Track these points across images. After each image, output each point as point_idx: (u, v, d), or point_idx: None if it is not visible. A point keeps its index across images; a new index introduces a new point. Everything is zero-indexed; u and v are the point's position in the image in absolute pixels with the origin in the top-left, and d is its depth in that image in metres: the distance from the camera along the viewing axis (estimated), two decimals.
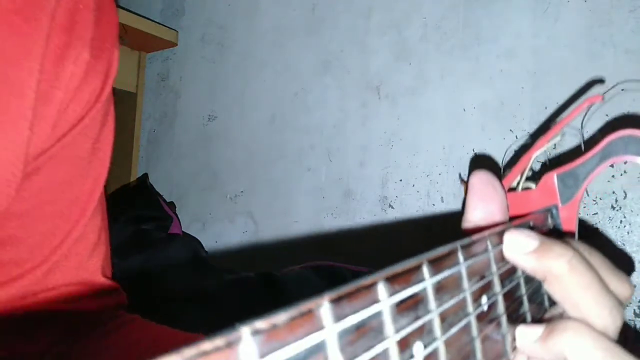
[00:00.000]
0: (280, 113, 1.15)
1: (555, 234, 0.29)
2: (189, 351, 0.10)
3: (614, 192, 0.78)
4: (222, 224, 1.20)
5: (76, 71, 0.33)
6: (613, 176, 0.78)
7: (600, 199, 0.79)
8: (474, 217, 0.26)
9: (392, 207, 0.98)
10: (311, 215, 1.07)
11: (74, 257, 0.37)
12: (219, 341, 0.10)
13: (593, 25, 0.82)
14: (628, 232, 0.77)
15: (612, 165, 0.78)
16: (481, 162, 0.89)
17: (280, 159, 1.13)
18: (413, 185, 0.96)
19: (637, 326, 0.74)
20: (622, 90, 0.75)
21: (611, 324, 0.22)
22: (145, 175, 1.30)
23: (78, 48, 0.33)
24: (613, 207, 0.78)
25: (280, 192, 1.12)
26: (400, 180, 0.98)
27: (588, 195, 0.80)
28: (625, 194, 0.77)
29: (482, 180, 0.26)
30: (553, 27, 0.85)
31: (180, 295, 0.88)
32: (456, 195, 0.92)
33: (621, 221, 0.77)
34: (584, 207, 0.79)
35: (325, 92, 1.09)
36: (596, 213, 0.79)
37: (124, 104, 1.34)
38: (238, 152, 1.20)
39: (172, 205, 1.26)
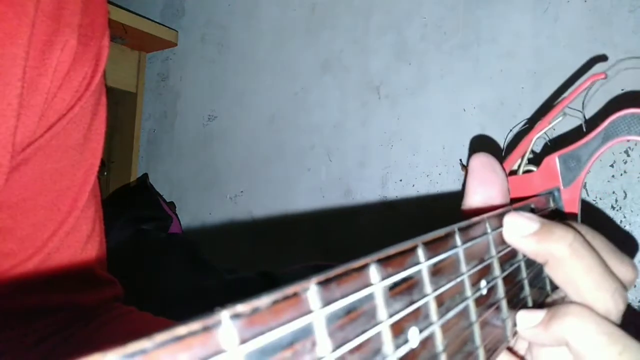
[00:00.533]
0: (280, 113, 1.14)
1: (558, 216, 0.29)
2: (161, 336, 0.09)
3: (614, 192, 0.77)
4: (222, 224, 1.19)
5: (63, 58, 0.33)
6: (613, 176, 0.78)
7: (600, 199, 0.78)
8: (473, 202, 0.25)
9: (392, 207, 0.97)
10: (311, 215, 1.06)
11: (67, 248, 0.37)
12: (194, 325, 0.09)
13: (593, 25, 0.81)
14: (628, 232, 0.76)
15: (612, 165, 0.78)
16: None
17: (280, 158, 1.13)
18: (413, 185, 0.96)
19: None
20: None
21: (613, 308, 0.22)
22: (145, 175, 1.30)
23: (65, 35, 0.33)
24: (613, 207, 0.77)
25: (280, 192, 1.12)
26: (400, 180, 0.97)
27: (588, 195, 0.79)
28: (625, 194, 0.77)
29: (482, 163, 0.25)
30: (553, 27, 0.85)
31: (180, 295, 0.88)
32: (456, 195, 0.91)
33: (621, 221, 0.77)
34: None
35: (325, 92, 1.09)
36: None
37: (124, 104, 1.34)
38: (238, 152, 1.20)
39: (172, 205, 1.26)
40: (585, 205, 0.77)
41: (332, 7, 1.10)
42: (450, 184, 0.92)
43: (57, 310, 0.37)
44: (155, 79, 1.36)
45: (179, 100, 1.32)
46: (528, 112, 0.86)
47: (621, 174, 0.77)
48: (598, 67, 0.79)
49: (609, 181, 0.78)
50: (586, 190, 0.79)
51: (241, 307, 0.10)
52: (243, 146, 1.19)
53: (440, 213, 0.92)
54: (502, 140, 0.87)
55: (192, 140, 1.28)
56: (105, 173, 1.33)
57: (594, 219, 0.77)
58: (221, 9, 1.26)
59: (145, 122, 1.36)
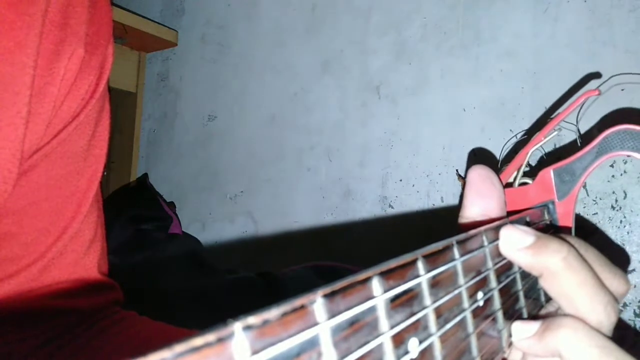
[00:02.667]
0: (280, 113, 1.15)
1: (552, 229, 0.29)
2: (180, 347, 0.09)
3: (614, 192, 0.78)
4: (222, 224, 1.20)
5: (70, 67, 0.33)
6: (613, 176, 0.78)
7: (600, 199, 0.79)
8: (471, 214, 0.26)
9: (392, 207, 0.98)
10: (311, 215, 1.07)
11: (69, 253, 0.37)
12: (210, 337, 0.10)
13: (593, 25, 0.82)
14: (628, 232, 0.77)
15: (612, 165, 0.78)
16: (479, 157, 0.89)
17: (280, 159, 1.13)
18: (413, 185, 0.96)
19: (637, 326, 0.74)
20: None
21: (606, 320, 0.22)
22: (145, 175, 1.30)
23: (73, 44, 0.33)
24: (613, 207, 0.78)
25: (280, 192, 1.12)
26: (400, 180, 0.98)
27: (588, 195, 0.79)
28: (625, 194, 0.77)
29: (480, 175, 0.26)
30: (553, 27, 0.85)
31: (180, 295, 0.88)
32: (456, 195, 0.92)
33: (621, 221, 0.77)
34: (584, 207, 0.79)
35: (325, 92, 1.09)
36: (596, 213, 0.78)
37: (124, 104, 1.35)
38: (238, 152, 1.20)
39: (172, 205, 1.26)
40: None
41: (332, 7, 1.10)
42: (450, 184, 0.93)
43: (59, 314, 0.38)
44: (155, 79, 1.36)
45: (179, 100, 1.32)
46: (528, 112, 0.86)
47: (621, 174, 0.78)
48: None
49: (609, 181, 0.78)
50: (586, 190, 0.79)
51: (252, 319, 0.11)
52: (243, 146, 1.19)
53: (439, 213, 0.92)
54: (502, 143, 0.88)
55: (192, 141, 1.29)
56: (105, 173, 1.33)
57: (594, 219, 0.78)
58: (221, 9, 1.27)
59: (145, 122, 1.37)
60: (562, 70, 0.84)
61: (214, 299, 0.88)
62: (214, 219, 1.21)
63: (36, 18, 0.30)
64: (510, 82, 0.89)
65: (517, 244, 0.23)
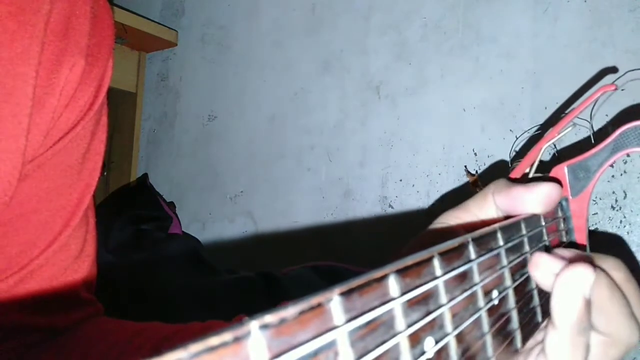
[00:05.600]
0: (280, 113, 1.14)
1: (566, 243, 0.29)
2: (196, 347, 0.09)
3: (614, 192, 0.78)
4: (222, 224, 1.19)
5: (71, 78, 0.33)
6: (613, 176, 0.78)
7: (600, 199, 0.79)
8: (509, 208, 0.26)
9: (392, 207, 0.98)
10: (311, 215, 1.07)
11: (50, 266, 0.36)
12: (226, 336, 0.10)
13: (593, 25, 0.82)
14: (628, 232, 0.77)
15: (612, 166, 0.78)
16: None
17: (280, 159, 1.13)
18: (413, 185, 0.96)
19: None
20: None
21: (627, 340, 0.23)
22: (145, 175, 1.30)
23: (74, 55, 0.33)
24: (613, 207, 0.78)
25: (280, 192, 1.12)
26: (400, 180, 0.97)
27: None
28: (625, 194, 0.77)
29: (555, 195, 0.25)
30: (553, 27, 0.85)
31: (180, 295, 0.88)
32: (456, 195, 0.92)
33: (621, 221, 0.77)
34: None
35: (325, 92, 1.09)
36: (596, 213, 0.79)
37: (124, 104, 1.34)
38: (238, 152, 1.20)
39: (172, 205, 1.26)
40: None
41: (332, 7, 1.10)
42: (450, 184, 0.92)
43: (32, 331, 0.36)
44: (155, 79, 1.36)
45: (179, 100, 1.32)
46: (528, 112, 0.86)
47: (621, 174, 0.78)
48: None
49: (608, 181, 0.78)
50: None
51: (269, 318, 0.11)
52: (243, 146, 1.19)
53: (439, 213, 0.92)
54: (502, 143, 0.87)
55: (192, 140, 1.28)
56: (105, 173, 1.33)
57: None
58: (221, 9, 1.26)
59: (145, 122, 1.36)
60: (562, 70, 0.84)
61: (214, 298, 0.87)
62: (214, 219, 1.21)
63: (38, 28, 0.30)
64: (510, 82, 0.89)
65: (549, 270, 0.23)
